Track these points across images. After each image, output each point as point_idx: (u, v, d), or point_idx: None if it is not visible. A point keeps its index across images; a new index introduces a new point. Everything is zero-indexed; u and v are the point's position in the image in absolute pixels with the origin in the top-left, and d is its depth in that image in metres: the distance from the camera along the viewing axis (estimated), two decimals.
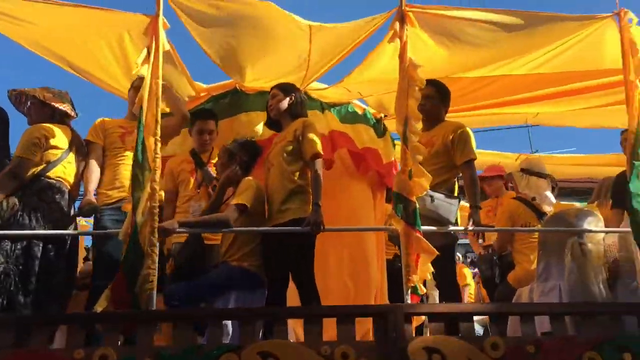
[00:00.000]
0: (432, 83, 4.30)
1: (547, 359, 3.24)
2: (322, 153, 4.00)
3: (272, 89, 4.36)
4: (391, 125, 5.58)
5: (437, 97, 4.35)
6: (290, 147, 4.01)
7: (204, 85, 5.28)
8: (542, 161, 5.15)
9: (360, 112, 5.72)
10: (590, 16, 4.15)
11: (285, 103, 4.20)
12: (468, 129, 4.25)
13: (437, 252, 3.58)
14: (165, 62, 4.44)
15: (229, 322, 3.62)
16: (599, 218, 4.15)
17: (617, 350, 3.39)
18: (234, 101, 5.23)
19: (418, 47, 4.11)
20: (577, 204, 6.91)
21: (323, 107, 5.47)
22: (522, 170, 4.97)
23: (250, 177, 4.07)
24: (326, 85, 5.40)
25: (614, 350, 3.39)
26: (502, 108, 5.63)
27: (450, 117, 5.04)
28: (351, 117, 5.61)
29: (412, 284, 3.58)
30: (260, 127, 4.97)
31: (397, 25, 3.86)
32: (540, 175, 4.89)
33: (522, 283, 4.53)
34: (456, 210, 4.07)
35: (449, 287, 4.15)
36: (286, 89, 4.26)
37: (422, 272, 3.67)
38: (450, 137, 4.21)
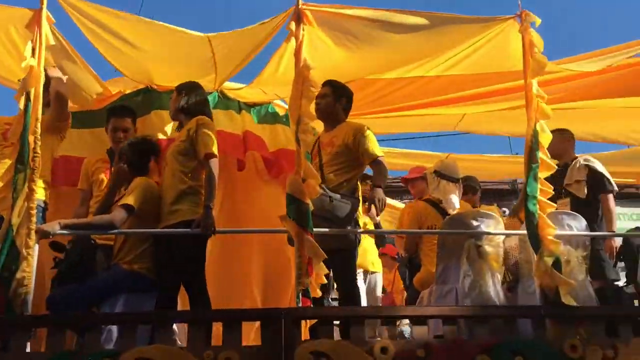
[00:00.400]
0: (327, 82, 4.25)
1: None
2: (216, 153, 3.86)
3: None
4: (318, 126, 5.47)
5: (332, 95, 4.25)
6: (183, 146, 3.89)
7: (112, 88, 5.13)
8: (456, 164, 5.11)
9: (281, 112, 5.62)
10: (492, 18, 4.13)
11: (177, 101, 4.09)
12: (367, 130, 4.16)
13: (325, 256, 3.49)
14: (65, 59, 4.34)
15: (114, 327, 3.50)
16: (498, 220, 4.15)
17: (510, 354, 3.37)
18: (146, 99, 5.08)
19: (318, 47, 4.06)
20: None
21: (241, 107, 5.37)
22: (435, 172, 4.94)
23: (142, 177, 3.94)
24: (243, 85, 5.31)
25: (506, 353, 3.37)
26: (423, 110, 5.60)
27: (366, 119, 5.02)
28: (270, 118, 5.52)
29: (303, 287, 3.50)
30: (169, 127, 4.87)
31: (292, 24, 3.79)
32: (450, 179, 4.86)
33: (425, 285, 4.49)
34: (355, 212, 4.01)
35: (346, 290, 4.07)
36: (179, 87, 4.15)
37: (318, 275, 3.60)
38: (351, 139, 4.14)
